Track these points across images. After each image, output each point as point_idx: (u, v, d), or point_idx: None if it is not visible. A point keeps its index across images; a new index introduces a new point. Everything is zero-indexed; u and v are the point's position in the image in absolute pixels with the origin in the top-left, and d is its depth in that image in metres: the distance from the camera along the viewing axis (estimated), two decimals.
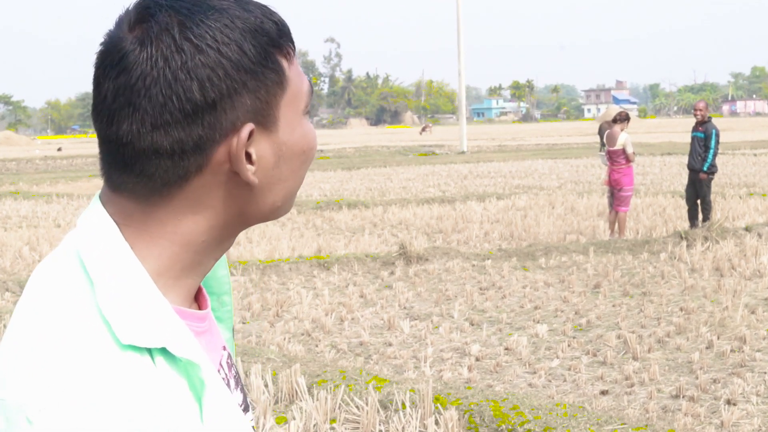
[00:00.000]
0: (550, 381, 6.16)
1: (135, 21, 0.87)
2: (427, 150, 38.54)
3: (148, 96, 0.85)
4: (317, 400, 5.06)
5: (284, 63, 0.92)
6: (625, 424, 4.74)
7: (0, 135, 70.38)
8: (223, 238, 0.95)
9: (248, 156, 0.90)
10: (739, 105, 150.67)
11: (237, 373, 1.06)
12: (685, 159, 12.96)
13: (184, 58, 0.85)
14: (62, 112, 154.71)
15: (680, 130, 54.93)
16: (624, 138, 11.68)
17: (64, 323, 0.83)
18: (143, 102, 0.86)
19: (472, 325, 7.64)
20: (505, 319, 7.73)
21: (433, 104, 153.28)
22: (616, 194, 11.85)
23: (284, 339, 7.19)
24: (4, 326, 6.90)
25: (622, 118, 11.92)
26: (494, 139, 53.78)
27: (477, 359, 6.64)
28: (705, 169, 11.78)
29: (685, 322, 7.36)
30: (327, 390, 5.21)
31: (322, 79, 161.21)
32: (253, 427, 1.04)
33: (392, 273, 9.79)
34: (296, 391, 5.35)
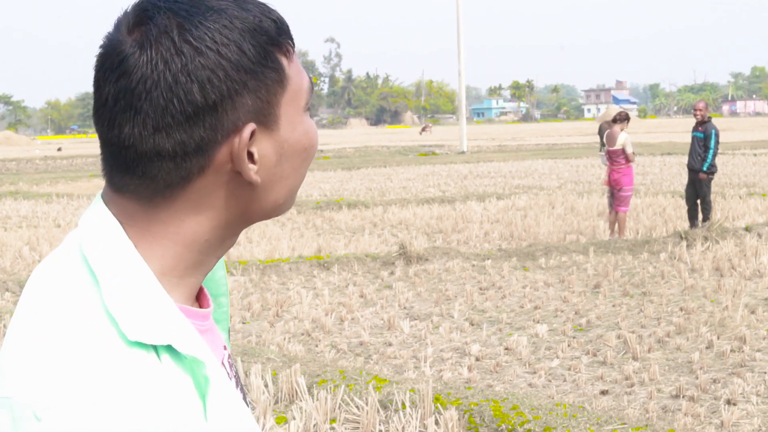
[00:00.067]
0: (550, 381, 6.17)
1: (134, 24, 0.88)
2: (427, 150, 38.54)
3: (149, 99, 0.86)
4: (317, 400, 5.06)
5: (284, 61, 0.92)
6: (625, 424, 4.74)
7: (0, 135, 70.40)
8: (225, 237, 0.95)
9: (250, 155, 0.90)
10: (739, 105, 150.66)
11: (236, 373, 1.06)
12: (685, 159, 12.96)
13: (184, 61, 0.86)
14: (62, 112, 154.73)
15: (680, 130, 54.94)
16: (624, 138, 11.68)
17: (70, 321, 0.83)
18: (144, 105, 0.86)
19: (472, 325, 7.64)
20: (505, 319, 7.73)
21: (433, 104, 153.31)
22: (615, 194, 11.85)
23: (284, 339, 7.19)
24: (5, 326, 6.90)
25: (622, 118, 11.93)
26: (494, 139, 53.79)
27: (477, 359, 6.65)
28: (705, 169, 11.78)
29: (685, 322, 7.36)
30: (327, 390, 5.22)
31: (322, 79, 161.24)
32: None
33: (392, 273, 9.79)
34: (296, 391, 5.35)
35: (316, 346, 7.12)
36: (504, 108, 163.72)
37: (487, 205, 15.80)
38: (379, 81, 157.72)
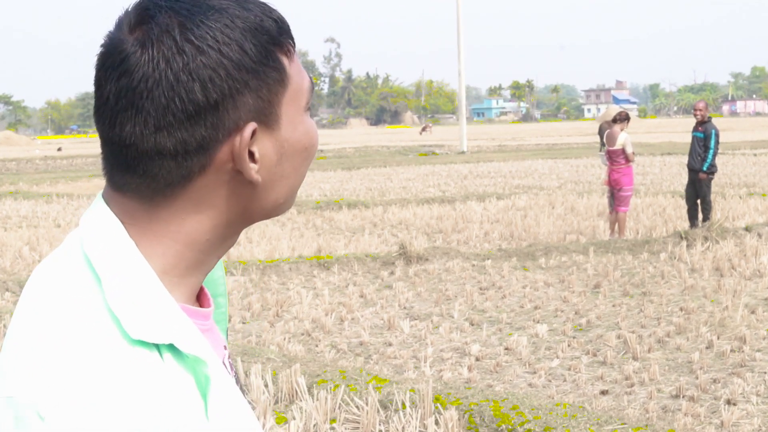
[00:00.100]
0: (550, 381, 6.17)
1: (135, 23, 0.88)
2: (427, 150, 38.54)
3: (150, 98, 0.86)
4: (317, 400, 5.06)
5: (285, 60, 0.92)
6: (625, 424, 4.74)
7: (0, 135, 70.40)
8: (226, 236, 0.95)
9: (251, 154, 0.90)
10: (739, 105, 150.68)
11: (236, 373, 1.06)
12: (685, 159, 12.96)
13: (186, 60, 0.86)
14: (62, 112, 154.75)
15: (680, 130, 54.95)
16: (624, 138, 11.68)
17: (72, 319, 0.83)
18: (146, 104, 0.86)
19: (472, 325, 7.64)
20: (505, 319, 7.73)
21: (433, 104, 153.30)
22: (615, 194, 11.85)
23: (284, 339, 7.19)
24: (5, 326, 6.90)
25: (622, 118, 11.93)
26: (494, 139, 53.79)
27: (477, 359, 6.65)
28: (705, 169, 11.79)
29: (685, 322, 7.36)
30: (327, 390, 5.21)
31: (322, 79, 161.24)
32: None
33: (392, 273, 9.79)
34: (296, 391, 5.35)
35: (316, 346, 7.12)
36: (504, 108, 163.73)
37: (487, 205, 15.80)
38: (379, 81, 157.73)
